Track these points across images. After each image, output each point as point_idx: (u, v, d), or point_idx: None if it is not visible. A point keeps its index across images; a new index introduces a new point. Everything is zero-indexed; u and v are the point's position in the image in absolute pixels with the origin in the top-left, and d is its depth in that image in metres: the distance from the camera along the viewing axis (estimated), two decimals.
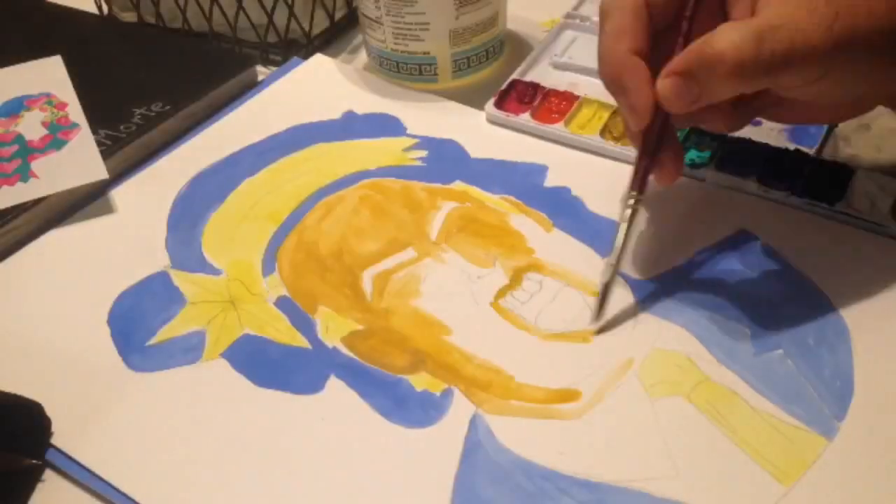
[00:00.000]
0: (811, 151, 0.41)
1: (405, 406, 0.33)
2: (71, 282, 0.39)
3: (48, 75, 0.50)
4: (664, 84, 0.32)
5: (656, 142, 0.34)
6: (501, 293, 0.37)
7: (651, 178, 0.35)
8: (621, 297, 0.36)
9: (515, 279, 0.37)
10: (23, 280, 0.40)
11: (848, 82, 0.32)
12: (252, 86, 0.51)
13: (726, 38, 0.30)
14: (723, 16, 0.34)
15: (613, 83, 0.34)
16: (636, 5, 0.33)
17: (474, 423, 0.32)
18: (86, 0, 0.59)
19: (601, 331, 0.34)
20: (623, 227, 0.34)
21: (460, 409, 0.32)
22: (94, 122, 0.46)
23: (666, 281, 0.36)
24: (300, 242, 0.40)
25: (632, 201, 0.34)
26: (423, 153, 0.44)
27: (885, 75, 0.32)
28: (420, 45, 0.47)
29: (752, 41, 0.30)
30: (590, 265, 0.37)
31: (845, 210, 0.38)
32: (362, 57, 0.53)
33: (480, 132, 0.46)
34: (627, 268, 0.37)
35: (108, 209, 0.43)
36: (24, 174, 0.43)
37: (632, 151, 0.42)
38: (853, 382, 0.32)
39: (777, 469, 0.29)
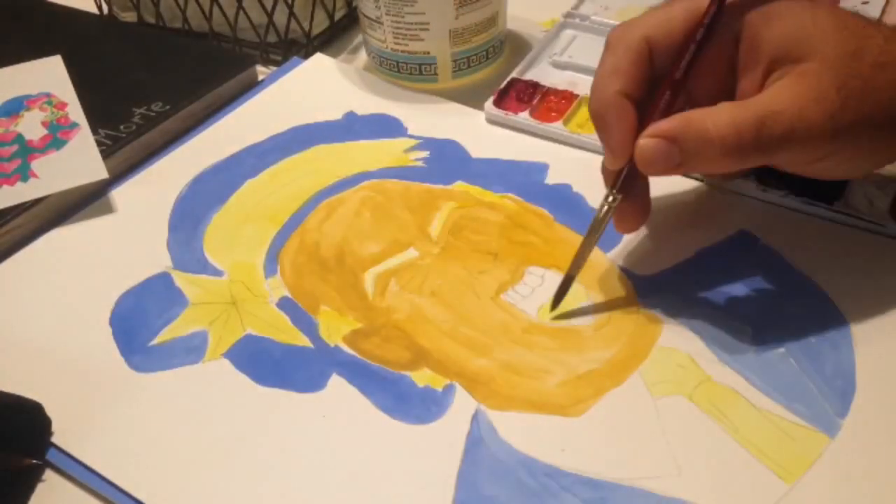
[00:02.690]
0: None
1: (407, 402, 0.33)
2: (71, 282, 0.39)
3: (48, 75, 0.50)
4: (645, 144, 0.31)
5: (627, 184, 0.34)
6: (502, 288, 0.37)
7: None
8: (623, 296, 0.36)
9: (517, 273, 0.37)
10: (23, 280, 0.39)
11: (850, 160, 0.32)
12: (252, 86, 0.51)
13: (727, 118, 0.30)
14: (730, 74, 0.33)
15: (598, 119, 0.33)
16: (639, 47, 0.33)
17: (476, 419, 0.32)
18: (86, 0, 0.58)
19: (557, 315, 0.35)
20: (596, 222, 0.34)
21: (462, 406, 0.32)
22: (94, 122, 0.46)
23: (667, 280, 0.36)
24: (302, 244, 0.40)
25: (611, 201, 0.34)
26: (424, 154, 0.44)
27: (890, 149, 0.32)
28: (420, 45, 0.47)
29: (753, 126, 0.30)
30: (592, 260, 0.37)
31: (844, 210, 0.38)
32: (362, 57, 0.53)
33: (481, 132, 0.46)
34: (629, 266, 0.37)
35: (109, 209, 0.43)
36: (24, 174, 0.43)
37: None
38: (855, 380, 0.32)
39: (779, 467, 0.29)
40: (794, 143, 0.30)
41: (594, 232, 0.34)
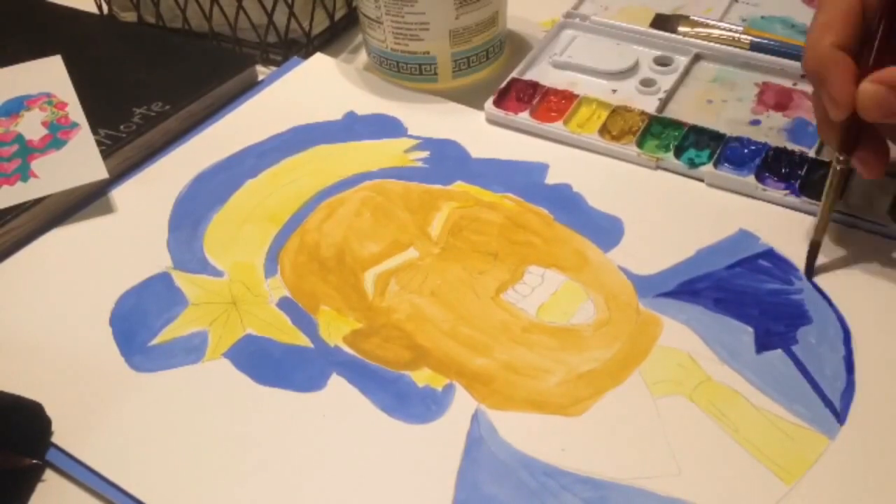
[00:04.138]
0: (810, 151, 0.41)
1: (407, 402, 0.33)
2: (72, 282, 0.39)
3: (48, 75, 0.50)
4: (866, 90, 0.31)
5: (856, 136, 0.34)
6: (502, 287, 0.37)
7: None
8: (623, 296, 0.36)
9: (516, 273, 0.37)
10: (23, 280, 0.39)
11: None
12: (252, 86, 0.51)
13: None
14: None
15: (815, 75, 0.33)
16: (850, 1, 0.33)
17: (476, 418, 0.32)
18: (86, 0, 0.58)
19: None
20: (830, 185, 0.35)
21: (462, 405, 0.32)
22: (94, 122, 0.46)
23: (667, 279, 0.36)
24: (302, 244, 0.40)
25: (839, 164, 0.34)
26: (424, 154, 0.44)
27: None
28: (420, 45, 0.47)
29: None
30: (592, 260, 0.37)
31: (844, 210, 0.38)
32: (362, 57, 0.53)
33: (481, 132, 0.46)
34: (629, 266, 0.37)
35: (109, 209, 0.43)
36: (24, 174, 0.43)
37: (630, 150, 0.43)
38: (855, 381, 0.32)
39: (779, 467, 0.29)
40: None
41: (829, 197, 0.35)
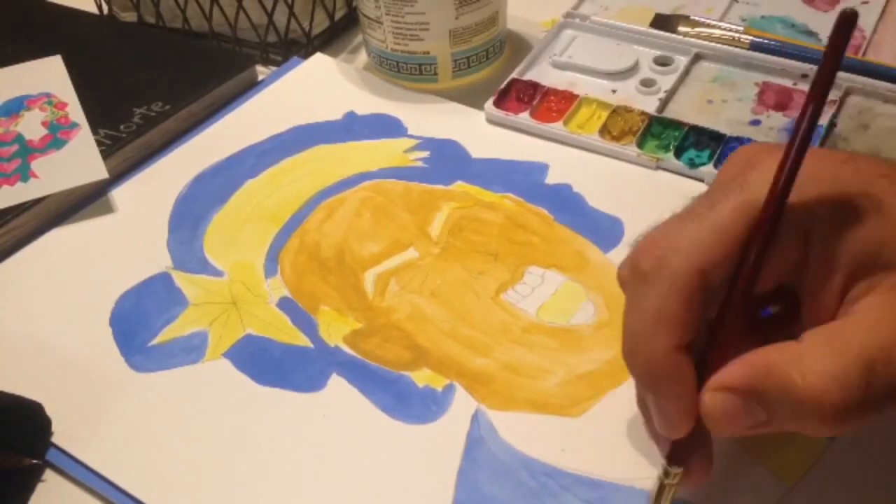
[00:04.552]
0: None
1: (407, 402, 0.33)
2: (72, 282, 0.39)
3: (48, 75, 0.50)
4: (714, 401, 0.23)
5: (687, 449, 0.26)
6: (502, 287, 0.37)
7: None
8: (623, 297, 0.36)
9: (516, 273, 0.37)
10: (23, 280, 0.39)
11: None
12: (252, 86, 0.51)
13: (822, 369, 0.22)
14: (795, 278, 0.25)
15: (646, 381, 0.26)
16: (690, 282, 0.24)
17: (476, 418, 0.32)
18: (86, 0, 0.58)
19: None
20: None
21: (462, 405, 0.32)
22: (94, 122, 0.46)
23: None
24: (302, 244, 0.40)
25: (673, 479, 0.27)
26: (424, 154, 0.44)
27: None
28: (420, 45, 0.47)
29: (860, 378, 0.21)
30: (592, 260, 0.37)
31: None
32: (362, 57, 0.53)
33: (481, 132, 0.46)
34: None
35: (109, 209, 0.43)
36: (24, 174, 0.43)
37: (630, 150, 0.43)
38: None
39: (780, 467, 0.29)
40: None
41: None
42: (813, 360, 0.22)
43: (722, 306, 0.25)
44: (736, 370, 0.23)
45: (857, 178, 0.24)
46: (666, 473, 0.26)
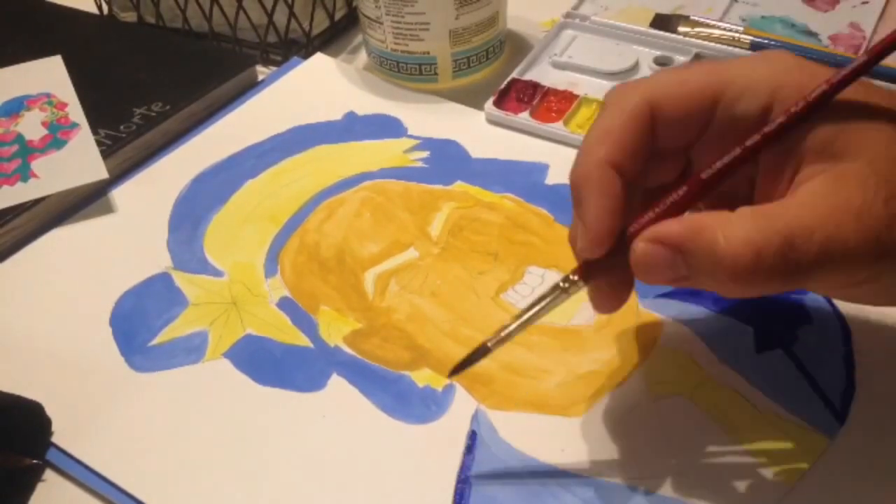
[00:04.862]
0: None
1: (407, 402, 0.33)
2: (72, 282, 0.39)
3: (48, 75, 0.50)
4: (642, 248, 0.25)
5: (596, 269, 0.27)
6: (502, 288, 0.37)
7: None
8: None
9: (516, 273, 0.37)
10: (23, 280, 0.39)
11: None
12: (252, 86, 0.51)
13: (743, 235, 0.23)
14: (752, 165, 0.27)
15: (573, 189, 0.27)
16: (637, 109, 0.27)
17: (476, 418, 0.32)
18: (86, 0, 0.58)
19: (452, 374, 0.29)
20: (542, 302, 0.27)
21: (462, 405, 0.32)
22: (94, 122, 0.46)
23: None
24: (302, 245, 0.40)
25: (566, 284, 0.27)
26: (424, 154, 0.44)
27: None
28: (420, 45, 0.47)
29: (778, 246, 0.23)
30: None
31: None
32: (362, 57, 0.53)
33: (481, 132, 0.46)
34: None
35: (109, 209, 0.43)
36: (24, 174, 0.43)
37: None
38: (855, 381, 0.32)
39: (779, 467, 0.29)
40: (827, 268, 0.24)
41: (530, 313, 0.27)
42: (738, 226, 0.24)
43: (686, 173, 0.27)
44: (671, 226, 0.25)
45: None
46: (565, 279, 0.27)
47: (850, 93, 0.25)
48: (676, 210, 0.26)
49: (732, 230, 0.24)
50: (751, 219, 0.24)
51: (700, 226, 0.24)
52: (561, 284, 0.27)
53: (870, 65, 0.25)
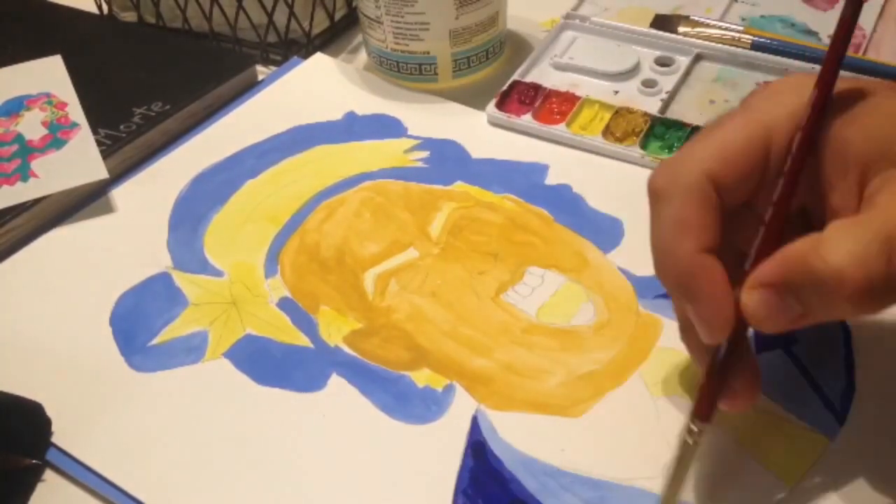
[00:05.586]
0: None
1: (407, 402, 0.33)
2: (71, 282, 0.39)
3: (48, 75, 0.50)
4: (753, 299, 0.24)
5: (728, 358, 0.26)
6: (502, 288, 0.37)
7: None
8: (623, 297, 0.36)
9: (517, 273, 0.37)
10: (23, 280, 0.39)
11: None
12: (252, 86, 0.51)
13: (843, 249, 0.22)
14: (814, 195, 0.26)
15: (679, 289, 0.26)
16: (701, 187, 0.26)
17: (476, 418, 0.32)
18: (86, 0, 0.58)
19: None
20: (681, 464, 0.28)
21: (462, 405, 0.32)
22: (94, 122, 0.46)
23: None
24: (302, 245, 0.40)
25: (695, 430, 0.27)
26: (425, 154, 0.44)
27: None
28: (420, 45, 0.47)
29: (880, 252, 0.22)
30: (592, 261, 0.37)
31: None
32: (362, 57, 0.53)
33: (481, 132, 0.46)
34: (629, 266, 0.37)
35: (109, 209, 0.43)
36: (24, 174, 0.43)
37: (634, 152, 0.43)
38: (855, 381, 0.32)
39: (779, 468, 0.29)
40: None
41: (678, 477, 0.27)
42: (833, 243, 0.23)
43: (767, 215, 0.26)
44: (767, 266, 0.24)
45: (855, 86, 0.26)
46: (689, 432, 0.27)
47: (856, 92, 0.25)
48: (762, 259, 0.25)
49: (828, 248, 0.23)
50: (843, 230, 0.23)
51: (794, 255, 0.24)
52: (687, 436, 0.27)
53: (838, 53, 0.25)
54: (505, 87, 0.47)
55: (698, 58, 0.48)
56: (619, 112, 0.45)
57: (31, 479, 0.32)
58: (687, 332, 0.29)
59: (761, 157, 0.26)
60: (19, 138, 0.46)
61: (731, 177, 0.26)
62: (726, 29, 0.49)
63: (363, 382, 0.33)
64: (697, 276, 0.25)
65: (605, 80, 0.48)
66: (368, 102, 0.48)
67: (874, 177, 0.24)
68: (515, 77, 0.48)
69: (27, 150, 0.45)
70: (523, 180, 0.42)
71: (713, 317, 0.25)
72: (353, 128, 0.46)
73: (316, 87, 0.50)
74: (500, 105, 0.46)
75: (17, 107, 0.48)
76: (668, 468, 0.28)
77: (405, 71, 0.49)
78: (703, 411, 0.27)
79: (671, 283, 0.27)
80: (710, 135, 0.27)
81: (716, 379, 0.27)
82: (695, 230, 0.26)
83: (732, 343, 0.26)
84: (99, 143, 0.45)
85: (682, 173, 0.26)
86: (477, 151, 0.44)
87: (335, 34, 0.55)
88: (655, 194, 0.27)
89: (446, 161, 0.44)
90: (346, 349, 0.35)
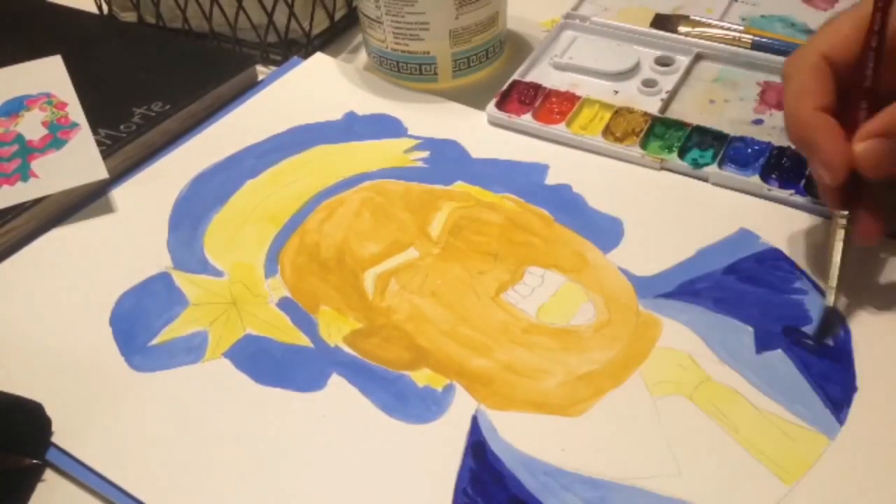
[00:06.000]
0: None
1: (407, 402, 0.33)
2: (72, 282, 0.39)
3: (48, 75, 0.50)
4: (863, 147, 0.31)
5: (853, 195, 0.33)
6: (502, 288, 0.37)
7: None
8: (623, 297, 0.36)
9: (517, 273, 0.37)
10: (23, 280, 0.39)
11: None
12: (252, 86, 0.51)
13: None
14: None
15: (803, 142, 0.33)
16: (816, 64, 0.33)
17: (476, 418, 0.32)
18: (86, 0, 0.59)
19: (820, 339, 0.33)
20: (838, 246, 0.34)
21: (462, 405, 0.32)
22: (94, 122, 0.46)
23: (668, 279, 0.36)
24: (302, 245, 0.40)
25: (843, 221, 0.34)
26: (425, 154, 0.44)
27: None
28: (420, 45, 0.47)
29: None
30: (592, 261, 0.37)
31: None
32: (362, 57, 0.53)
33: (481, 132, 0.46)
34: (629, 266, 0.37)
35: (108, 209, 0.43)
36: (24, 174, 0.43)
37: (634, 151, 0.43)
38: (855, 381, 0.32)
39: (779, 467, 0.29)
40: None
41: (839, 258, 0.33)
42: None
43: (856, 91, 0.33)
44: (877, 119, 0.31)
45: None
46: (840, 217, 0.34)
47: None
48: (867, 119, 0.32)
49: None
50: None
51: (893, 110, 0.30)
52: (838, 222, 0.34)
53: None
54: (505, 87, 0.47)
55: (698, 57, 0.48)
56: (619, 112, 0.45)
57: (31, 479, 0.32)
58: (821, 185, 0.34)
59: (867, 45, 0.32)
60: (19, 138, 0.46)
61: (840, 55, 0.33)
62: (726, 29, 0.49)
63: (363, 382, 0.33)
64: (816, 128, 0.32)
65: (605, 80, 0.48)
66: (368, 102, 0.48)
67: None
68: (515, 77, 0.48)
69: (27, 150, 0.45)
70: (523, 180, 0.42)
71: (831, 160, 0.32)
72: (353, 128, 0.46)
73: (316, 87, 0.50)
74: (500, 105, 0.46)
75: (17, 107, 0.48)
76: (830, 261, 0.34)
77: (405, 71, 0.49)
78: (838, 201, 0.34)
79: (796, 138, 0.33)
80: (827, 27, 0.34)
81: (849, 187, 0.33)
82: (813, 94, 0.33)
83: (854, 183, 0.32)
84: (99, 143, 0.45)
85: (804, 56, 0.34)
86: (477, 151, 0.44)
87: (335, 34, 0.55)
88: (787, 75, 0.34)
89: (446, 161, 0.44)
90: (346, 349, 0.35)
